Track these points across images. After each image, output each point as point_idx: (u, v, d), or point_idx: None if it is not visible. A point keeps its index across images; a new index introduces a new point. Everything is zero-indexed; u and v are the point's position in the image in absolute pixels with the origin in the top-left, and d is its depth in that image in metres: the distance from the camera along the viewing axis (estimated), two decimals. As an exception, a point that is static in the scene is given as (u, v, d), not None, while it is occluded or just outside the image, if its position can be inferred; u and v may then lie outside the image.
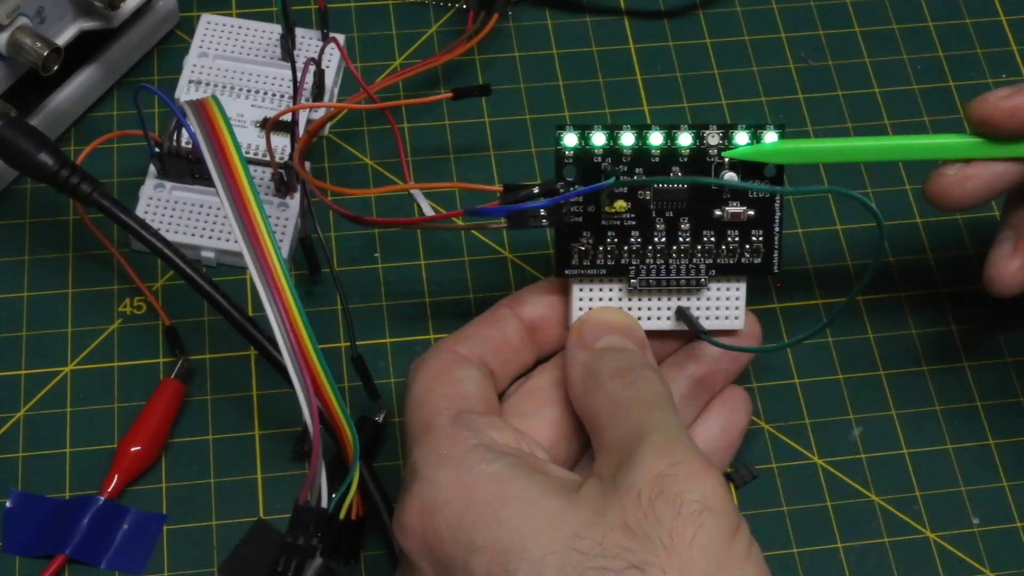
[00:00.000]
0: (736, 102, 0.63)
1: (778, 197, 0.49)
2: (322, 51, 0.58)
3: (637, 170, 0.49)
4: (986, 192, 0.50)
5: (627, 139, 0.48)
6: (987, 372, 0.57)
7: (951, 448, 0.55)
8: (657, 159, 0.49)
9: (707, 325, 0.50)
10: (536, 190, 0.48)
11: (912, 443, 0.55)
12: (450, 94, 0.55)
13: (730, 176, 0.49)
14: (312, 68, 0.57)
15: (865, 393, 0.56)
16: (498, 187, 0.48)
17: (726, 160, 0.49)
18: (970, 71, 0.64)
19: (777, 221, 0.49)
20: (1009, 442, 0.55)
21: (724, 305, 0.50)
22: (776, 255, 0.50)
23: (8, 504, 0.52)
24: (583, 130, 0.48)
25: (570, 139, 0.48)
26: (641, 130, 0.49)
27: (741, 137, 0.49)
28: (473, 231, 0.59)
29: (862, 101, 0.63)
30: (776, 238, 0.50)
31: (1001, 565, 0.53)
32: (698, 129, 0.49)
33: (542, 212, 0.48)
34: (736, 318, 0.50)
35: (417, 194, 0.59)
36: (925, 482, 0.54)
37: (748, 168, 0.49)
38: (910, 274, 0.59)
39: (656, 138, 0.49)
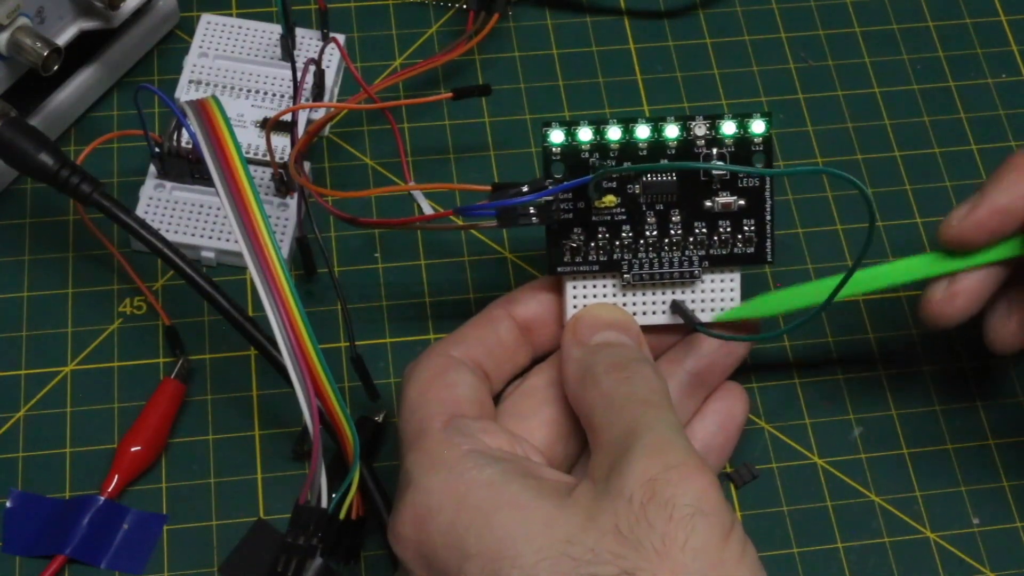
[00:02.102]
0: (736, 102, 0.63)
1: (768, 186, 0.49)
2: (322, 51, 0.58)
3: (625, 164, 0.49)
4: (977, 301, 0.50)
5: (614, 133, 0.49)
6: (987, 372, 0.57)
7: (951, 448, 0.55)
8: (645, 152, 0.49)
9: (702, 317, 0.50)
10: (525, 188, 0.48)
11: (912, 443, 0.55)
12: (450, 94, 0.55)
13: (718, 164, 0.49)
14: (312, 68, 0.57)
15: (865, 393, 0.56)
16: (487, 187, 0.48)
17: (714, 151, 0.49)
18: (970, 71, 0.64)
19: (768, 210, 0.50)
20: (1009, 442, 0.55)
21: (719, 297, 0.50)
22: (769, 244, 0.50)
23: (8, 504, 0.52)
24: (570, 126, 0.48)
25: (557, 135, 0.49)
26: (628, 124, 0.49)
27: (728, 126, 0.49)
28: (472, 231, 0.59)
29: (862, 101, 0.63)
30: (768, 227, 0.50)
31: (1001, 565, 0.53)
32: (685, 120, 0.49)
33: (531, 209, 0.48)
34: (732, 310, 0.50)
35: (418, 194, 0.59)
36: (925, 482, 0.54)
37: (736, 156, 0.49)
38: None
39: (643, 131, 0.49)
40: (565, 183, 0.48)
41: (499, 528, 0.42)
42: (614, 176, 0.48)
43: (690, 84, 0.63)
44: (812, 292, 0.50)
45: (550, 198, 0.48)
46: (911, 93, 0.64)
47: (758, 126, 0.49)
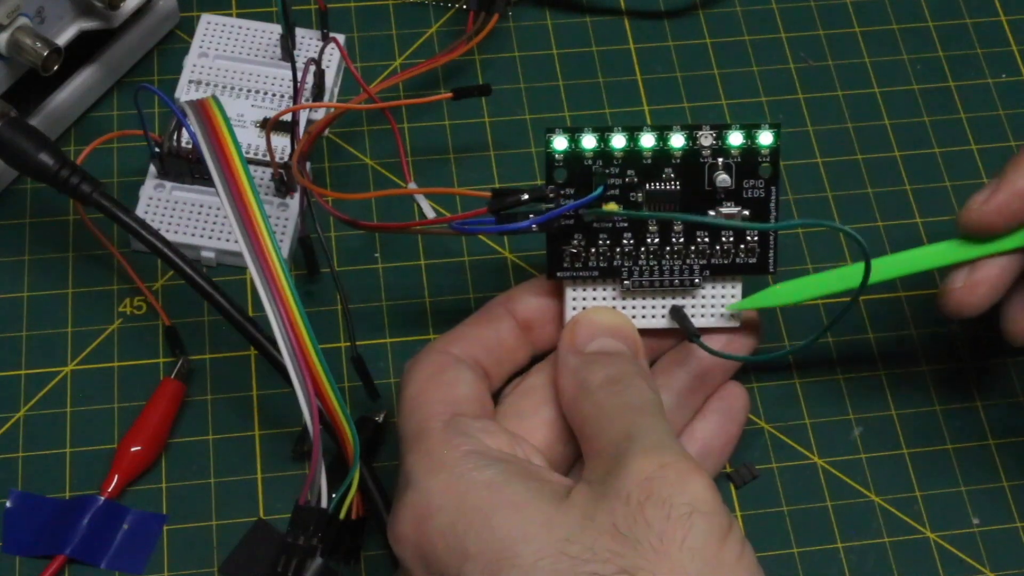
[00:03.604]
0: (736, 102, 0.63)
1: (773, 196, 0.49)
2: (322, 51, 0.58)
3: (629, 172, 0.48)
4: (998, 289, 0.50)
5: (618, 141, 0.48)
6: (987, 372, 0.57)
7: (951, 448, 0.55)
8: (649, 161, 0.48)
9: (702, 323, 0.50)
10: (525, 196, 0.47)
11: (912, 443, 0.55)
12: (450, 94, 0.55)
13: (723, 178, 0.48)
14: (312, 68, 0.57)
15: (865, 393, 0.56)
16: (485, 192, 0.47)
17: (719, 161, 0.48)
18: (970, 71, 0.64)
19: (773, 220, 0.49)
20: (1009, 442, 0.55)
21: (720, 304, 0.50)
22: (772, 255, 0.50)
23: (8, 504, 0.52)
24: (573, 133, 0.48)
25: (560, 142, 0.48)
26: (632, 132, 0.48)
27: (735, 137, 0.48)
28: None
29: (862, 101, 0.63)
30: (771, 238, 0.49)
31: (1001, 565, 0.52)
32: (691, 130, 0.48)
33: (531, 216, 0.47)
34: (732, 316, 0.50)
35: (419, 195, 0.59)
36: (925, 482, 0.54)
37: (741, 169, 0.49)
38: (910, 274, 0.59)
39: (648, 140, 0.48)
40: (567, 205, 0.47)
41: (499, 529, 0.42)
42: (616, 184, 0.48)
43: (690, 84, 0.63)
44: (823, 283, 0.50)
45: (551, 205, 0.48)
46: (911, 93, 0.64)
47: (766, 138, 0.48)
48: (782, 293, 0.50)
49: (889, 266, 0.50)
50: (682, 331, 0.50)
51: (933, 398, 0.56)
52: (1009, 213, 0.48)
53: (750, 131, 0.48)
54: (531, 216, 0.47)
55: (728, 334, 0.50)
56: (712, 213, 0.49)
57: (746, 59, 0.64)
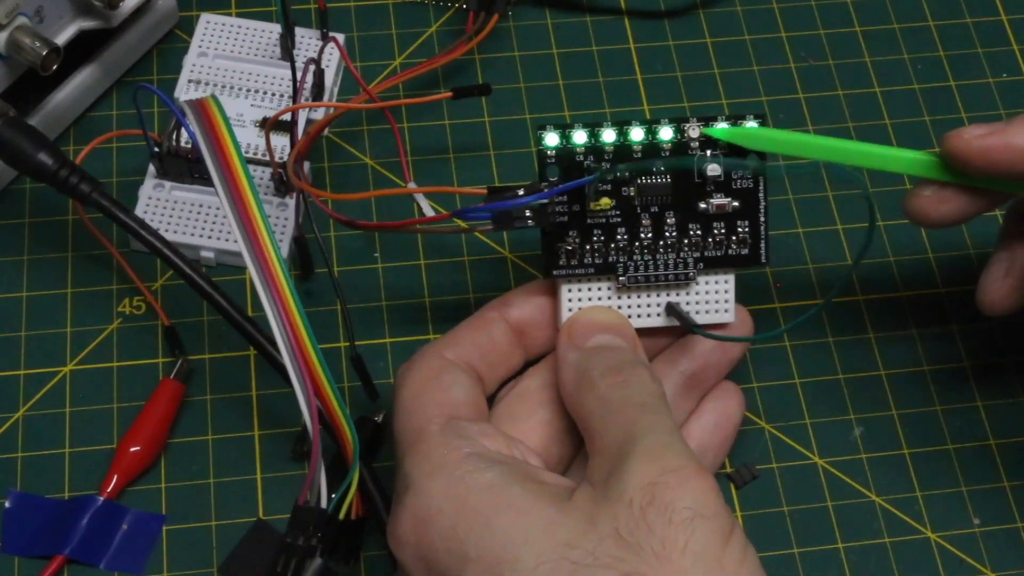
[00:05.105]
0: (736, 102, 0.63)
1: (761, 187, 0.49)
2: (321, 50, 0.58)
3: (620, 166, 0.49)
4: (958, 217, 0.49)
5: (608, 136, 0.49)
6: (988, 372, 0.57)
7: (952, 448, 0.55)
8: (639, 154, 0.49)
9: (697, 320, 0.50)
10: (521, 192, 0.48)
11: (913, 443, 0.55)
12: (450, 93, 0.55)
13: (712, 166, 0.49)
14: (312, 68, 0.57)
15: (865, 393, 0.56)
16: (482, 189, 0.48)
17: (708, 152, 0.49)
18: (971, 71, 0.64)
19: (762, 211, 0.50)
20: (1010, 442, 0.55)
21: (713, 299, 0.50)
22: (763, 245, 0.50)
23: (7, 504, 0.52)
24: (564, 129, 0.49)
25: (551, 139, 0.49)
26: (622, 126, 0.49)
27: (721, 128, 0.49)
28: (474, 232, 0.58)
29: (863, 101, 0.63)
30: (762, 228, 0.50)
31: (1002, 565, 0.52)
32: (679, 123, 0.49)
33: (527, 212, 0.48)
34: (726, 311, 0.50)
35: (418, 195, 0.59)
36: (926, 482, 0.54)
37: (729, 157, 0.49)
38: (910, 274, 0.59)
39: (637, 133, 0.49)
40: (561, 186, 0.48)
41: (500, 532, 0.42)
42: (609, 178, 0.49)
43: (690, 84, 0.63)
44: (808, 146, 0.49)
45: (546, 201, 0.48)
46: (911, 93, 0.64)
47: (751, 127, 0.49)
48: (773, 138, 0.49)
49: (865, 154, 0.49)
50: (676, 330, 0.50)
51: (933, 398, 0.56)
52: (992, 159, 0.47)
53: (736, 121, 0.49)
54: (527, 211, 0.48)
55: (722, 331, 0.51)
56: (703, 205, 0.49)
57: (746, 59, 0.64)
